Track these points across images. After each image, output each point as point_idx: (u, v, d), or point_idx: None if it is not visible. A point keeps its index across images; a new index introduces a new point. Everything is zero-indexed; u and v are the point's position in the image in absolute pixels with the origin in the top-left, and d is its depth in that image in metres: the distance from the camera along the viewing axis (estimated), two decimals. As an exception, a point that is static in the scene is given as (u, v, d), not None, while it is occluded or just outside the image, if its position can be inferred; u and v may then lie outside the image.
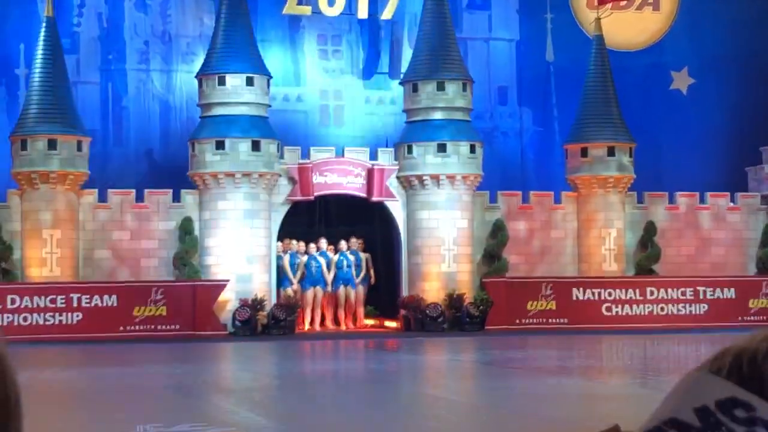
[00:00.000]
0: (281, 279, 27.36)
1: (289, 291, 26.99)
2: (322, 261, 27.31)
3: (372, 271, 27.95)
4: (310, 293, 27.17)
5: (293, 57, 31.03)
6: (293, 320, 26.39)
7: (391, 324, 28.21)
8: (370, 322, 28.18)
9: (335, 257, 27.44)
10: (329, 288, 27.29)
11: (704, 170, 31.52)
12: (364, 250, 27.97)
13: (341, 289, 27.42)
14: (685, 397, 1.26)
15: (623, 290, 27.83)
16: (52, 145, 26.40)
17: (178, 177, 27.49)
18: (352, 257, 27.51)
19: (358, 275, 27.57)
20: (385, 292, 28.20)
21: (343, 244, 27.57)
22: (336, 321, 27.53)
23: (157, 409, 11.95)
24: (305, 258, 27.25)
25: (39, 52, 26.86)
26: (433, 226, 27.78)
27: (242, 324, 25.78)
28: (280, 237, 27.61)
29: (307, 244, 27.51)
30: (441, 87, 28.14)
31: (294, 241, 27.56)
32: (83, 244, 26.81)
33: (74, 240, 26.59)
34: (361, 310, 27.88)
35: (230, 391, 14.67)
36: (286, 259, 27.25)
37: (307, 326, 27.19)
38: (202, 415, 11.10)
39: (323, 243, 27.53)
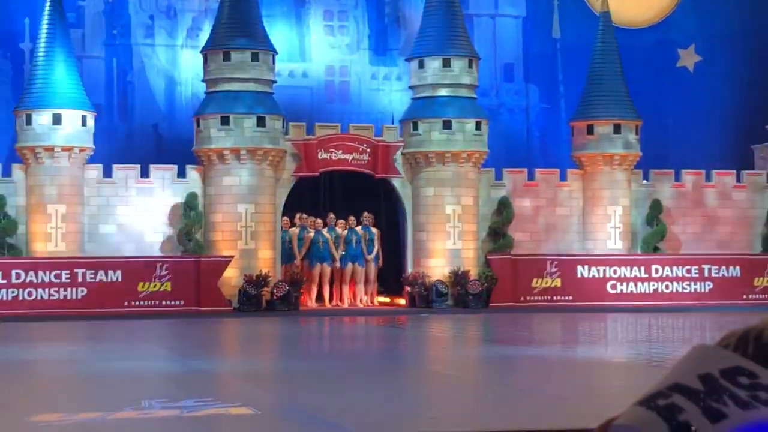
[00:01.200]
0: (287, 254, 27.30)
1: (295, 265, 26.88)
2: (329, 237, 27.17)
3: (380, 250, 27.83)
4: (316, 269, 27.09)
5: (299, 33, 30.94)
6: (298, 296, 26.38)
7: (387, 300, 28.23)
8: (384, 299, 28.18)
9: (344, 233, 27.25)
10: (337, 264, 27.09)
11: (710, 148, 31.45)
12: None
13: (349, 266, 27.23)
14: (690, 366, 1.28)
15: (628, 268, 27.82)
16: (56, 119, 26.37)
17: (183, 152, 27.47)
18: (362, 233, 27.28)
19: (370, 251, 27.30)
20: (389, 269, 28.17)
21: (351, 219, 27.39)
22: (341, 298, 27.42)
23: (162, 384, 11.96)
24: (312, 233, 27.10)
25: (44, 26, 26.80)
26: (438, 203, 27.74)
27: (247, 299, 25.78)
28: (289, 213, 27.55)
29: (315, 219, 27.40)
30: (447, 64, 28.06)
31: (305, 216, 27.34)
32: (88, 219, 26.80)
33: (79, 215, 26.59)
34: (373, 288, 27.70)
35: (236, 366, 14.68)
36: (295, 233, 27.07)
37: (313, 303, 27.14)
38: (208, 390, 11.10)
39: (332, 218, 27.39)
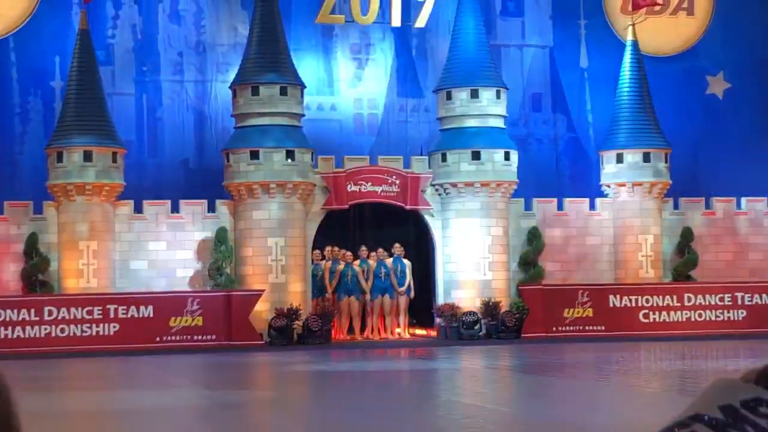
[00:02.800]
0: (318, 287, 27.31)
1: (326, 299, 26.92)
2: (358, 269, 27.20)
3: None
4: (344, 302, 27.11)
5: (326, 66, 31.07)
6: (329, 329, 26.37)
7: (424, 332, 28.19)
8: (420, 331, 28.16)
9: (373, 265, 27.27)
10: (367, 297, 27.07)
11: (741, 175, 31.29)
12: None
13: (378, 299, 27.22)
14: (711, 397, 1.29)
15: (660, 297, 27.66)
16: (87, 156, 26.55)
17: (214, 187, 27.59)
18: (391, 265, 27.25)
19: (401, 283, 27.25)
20: (419, 300, 28.14)
21: (381, 251, 27.41)
22: (372, 330, 27.37)
23: (194, 420, 11.96)
24: (342, 266, 27.15)
25: (74, 64, 27.05)
26: (468, 234, 27.72)
27: (278, 333, 25.79)
28: (319, 246, 27.62)
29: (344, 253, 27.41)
30: (475, 94, 28.11)
31: (336, 248, 27.39)
32: (119, 255, 26.93)
33: (110, 251, 26.73)
34: (404, 319, 27.65)
35: (271, 404, 14.67)
36: (327, 266, 27.09)
37: (345, 335, 27.13)
38: (242, 426, 11.09)
39: (364, 251, 27.42)
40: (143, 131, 30.12)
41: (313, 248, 27.59)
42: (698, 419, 1.26)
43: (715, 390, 1.30)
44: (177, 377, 19.27)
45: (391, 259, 27.28)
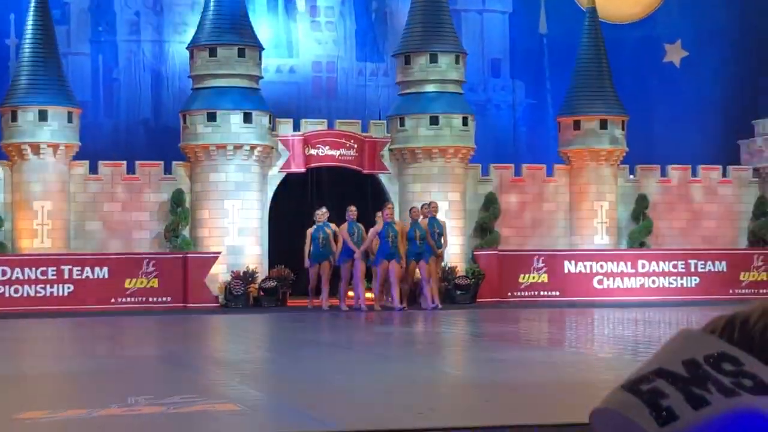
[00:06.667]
0: (321, 252, 24.72)
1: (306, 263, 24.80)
2: (329, 232, 25.45)
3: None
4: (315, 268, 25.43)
5: (285, 28, 30.90)
6: (285, 292, 26.34)
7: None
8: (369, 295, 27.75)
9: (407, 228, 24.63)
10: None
11: (696, 143, 31.52)
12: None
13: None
14: (675, 351, 1.27)
15: (615, 263, 27.85)
16: (42, 116, 26.30)
17: (170, 149, 27.43)
18: (426, 227, 24.71)
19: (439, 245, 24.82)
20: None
21: (416, 209, 25.22)
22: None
23: (149, 382, 11.94)
24: (312, 230, 24.95)
25: (29, 22, 26.72)
26: (425, 198, 27.73)
27: (235, 297, 25.75)
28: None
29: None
30: (434, 59, 28.06)
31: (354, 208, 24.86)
32: (74, 216, 26.75)
33: (65, 212, 26.53)
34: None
35: (222, 362, 14.66)
36: (345, 227, 24.47)
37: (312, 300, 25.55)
38: (194, 387, 11.09)
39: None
40: (99, 91, 29.87)
41: (271, 210, 27.43)
42: (661, 374, 1.25)
43: (680, 342, 1.28)
44: (130, 338, 19.23)
45: (426, 220, 25.03)
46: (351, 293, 24.98)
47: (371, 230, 24.41)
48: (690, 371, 1.24)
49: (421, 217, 24.95)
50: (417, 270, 24.91)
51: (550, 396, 10.06)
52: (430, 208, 25.25)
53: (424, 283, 24.71)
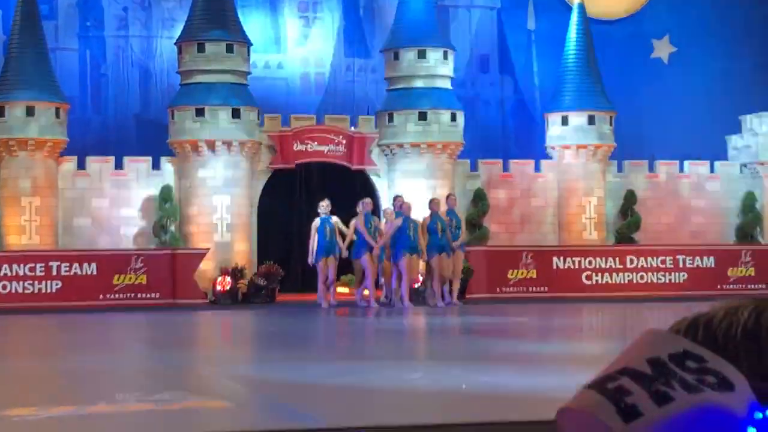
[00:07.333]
0: (327, 243, 23.89)
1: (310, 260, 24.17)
2: (334, 223, 24.92)
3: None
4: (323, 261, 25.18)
5: (273, 23, 30.89)
6: (273, 288, 26.34)
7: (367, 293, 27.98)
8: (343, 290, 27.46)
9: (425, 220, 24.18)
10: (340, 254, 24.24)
11: (684, 139, 31.59)
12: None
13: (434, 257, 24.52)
14: (640, 350, 1.31)
15: (603, 259, 27.90)
16: (30, 111, 26.24)
17: (159, 144, 27.40)
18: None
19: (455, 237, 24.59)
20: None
21: (437, 200, 24.73)
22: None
23: (138, 378, 11.94)
24: (317, 223, 24.26)
25: (17, 17, 26.66)
26: (413, 194, 27.73)
27: (223, 294, 25.73)
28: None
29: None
30: (422, 55, 28.08)
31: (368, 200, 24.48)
32: (62, 212, 26.71)
33: (53, 208, 26.49)
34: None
35: (211, 359, 14.66)
36: (361, 220, 23.89)
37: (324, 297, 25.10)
38: (183, 384, 11.09)
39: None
40: (87, 87, 29.82)
41: (259, 206, 27.44)
42: (626, 373, 1.28)
43: (645, 342, 1.31)
44: (120, 335, 19.21)
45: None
46: (366, 291, 24.52)
47: (391, 225, 24.05)
48: (654, 369, 1.27)
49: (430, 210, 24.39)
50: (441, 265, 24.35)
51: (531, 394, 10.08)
52: (448, 201, 24.88)
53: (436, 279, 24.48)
